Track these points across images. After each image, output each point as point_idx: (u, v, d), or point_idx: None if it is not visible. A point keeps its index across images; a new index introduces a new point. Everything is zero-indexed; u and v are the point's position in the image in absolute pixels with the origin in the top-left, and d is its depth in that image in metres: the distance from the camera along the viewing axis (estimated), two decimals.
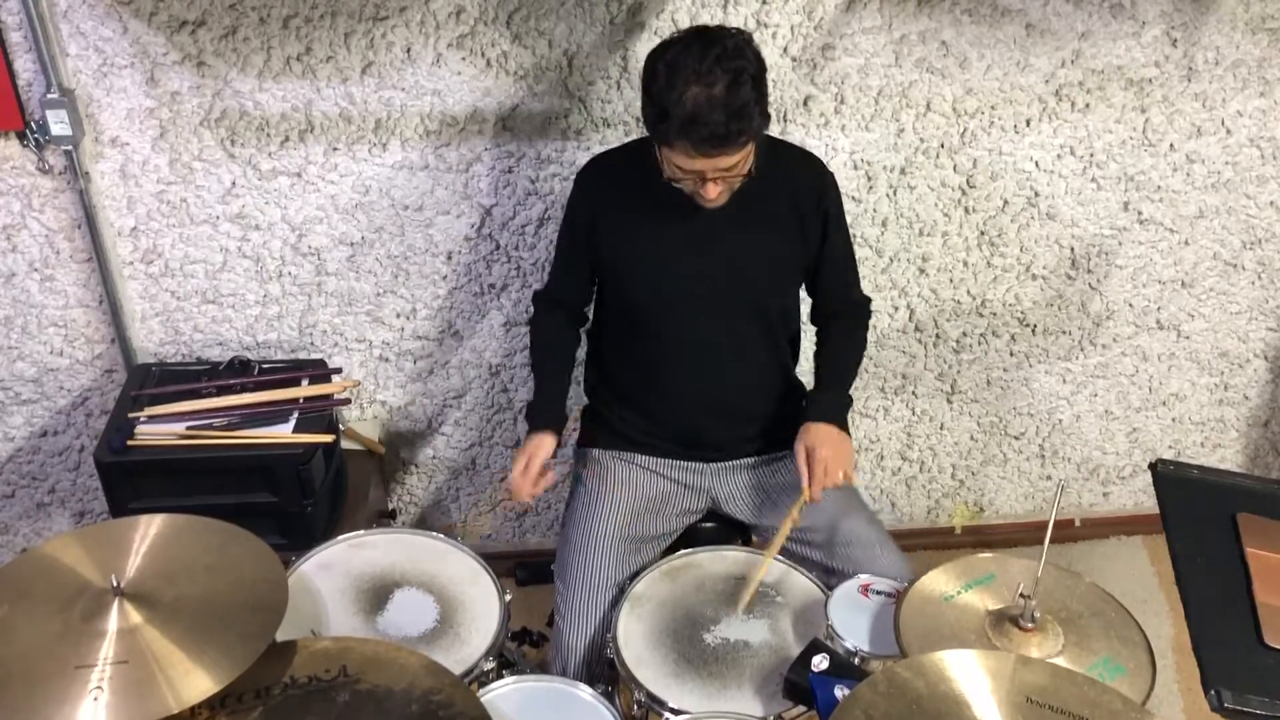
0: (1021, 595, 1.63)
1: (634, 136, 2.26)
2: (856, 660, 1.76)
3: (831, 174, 2.11)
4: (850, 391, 2.15)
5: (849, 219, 2.45)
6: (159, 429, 2.17)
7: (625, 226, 2.02)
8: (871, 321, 2.61)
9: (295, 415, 2.22)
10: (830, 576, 2.02)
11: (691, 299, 2.03)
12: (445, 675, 1.59)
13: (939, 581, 1.75)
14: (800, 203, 2.04)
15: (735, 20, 2.20)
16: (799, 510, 1.99)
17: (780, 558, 2.01)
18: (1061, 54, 2.33)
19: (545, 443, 2.05)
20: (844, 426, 2.08)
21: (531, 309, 2.26)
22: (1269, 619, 1.59)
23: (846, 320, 2.21)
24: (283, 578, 1.64)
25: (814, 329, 2.24)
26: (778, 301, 2.12)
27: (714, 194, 1.87)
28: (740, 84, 1.77)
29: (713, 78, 1.76)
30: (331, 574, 1.95)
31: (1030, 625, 1.62)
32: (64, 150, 2.17)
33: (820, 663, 1.63)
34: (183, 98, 2.18)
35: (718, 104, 1.75)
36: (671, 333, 2.07)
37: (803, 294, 2.18)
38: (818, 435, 2.01)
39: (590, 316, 2.22)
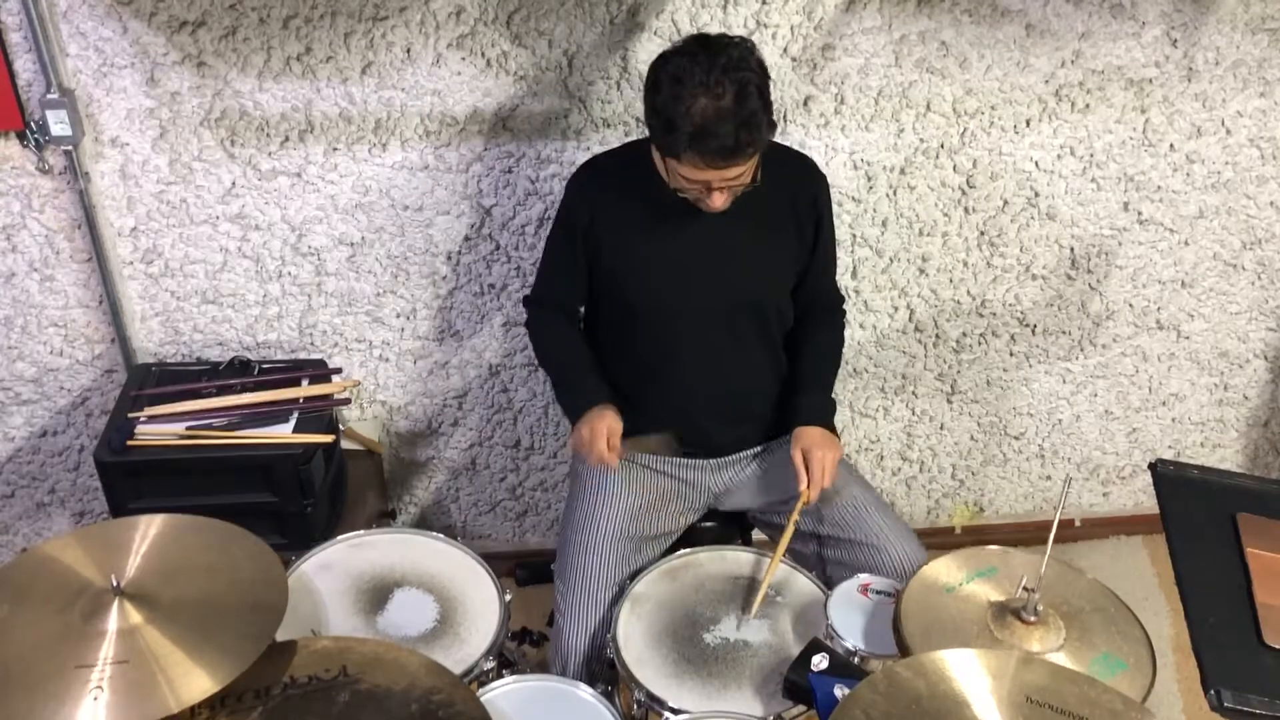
0: (1025, 588, 1.63)
1: (634, 136, 2.26)
2: (856, 660, 1.76)
3: (824, 175, 2.13)
4: (832, 395, 2.18)
5: (849, 219, 2.46)
6: (159, 429, 2.17)
7: (624, 229, 2.02)
8: (872, 322, 2.61)
9: (295, 415, 2.23)
10: (833, 556, 2.05)
11: (691, 301, 2.04)
12: (445, 675, 1.59)
13: (941, 573, 1.75)
14: (796, 204, 2.05)
15: (735, 20, 2.20)
16: (799, 512, 2.01)
17: (785, 560, 2.01)
18: (1061, 54, 2.33)
19: (606, 413, 2.02)
20: (832, 428, 2.11)
21: (525, 313, 2.26)
22: (1269, 619, 1.59)
23: (824, 317, 2.21)
24: (283, 578, 1.64)
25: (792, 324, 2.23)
26: (775, 301, 2.12)
27: (720, 203, 1.88)
28: (748, 94, 1.77)
29: (720, 89, 1.76)
30: (331, 574, 1.95)
31: (1033, 619, 1.62)
32: (64, 150, 2.17)
33: (820, 662, 1.63)
34: (183, 98, 2.18)
35: (726, 115, 1.75)
36: (671, 334, 2.07)
37: None
38: (812, 438, 2.04)
39: (582, 315, 2.22)
